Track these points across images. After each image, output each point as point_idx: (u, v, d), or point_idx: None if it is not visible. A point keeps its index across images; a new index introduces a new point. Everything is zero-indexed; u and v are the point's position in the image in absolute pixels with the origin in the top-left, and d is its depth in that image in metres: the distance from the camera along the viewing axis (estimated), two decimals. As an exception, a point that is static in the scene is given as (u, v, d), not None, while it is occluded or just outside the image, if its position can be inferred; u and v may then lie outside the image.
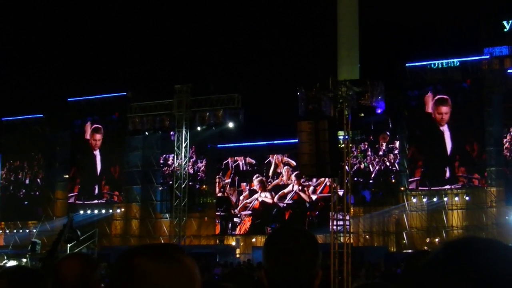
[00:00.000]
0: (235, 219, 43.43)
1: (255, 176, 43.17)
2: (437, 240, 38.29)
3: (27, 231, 48.08)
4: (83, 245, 34.65)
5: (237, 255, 41.84)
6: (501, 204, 37.37)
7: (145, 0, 79.21)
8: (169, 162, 44.09)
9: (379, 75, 27.79)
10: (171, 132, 39.78)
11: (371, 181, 40.78)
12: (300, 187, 41.67)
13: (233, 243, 43.73)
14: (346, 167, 24.51)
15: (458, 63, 38.55)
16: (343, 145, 25.61)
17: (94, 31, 75.26)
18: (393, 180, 40.68)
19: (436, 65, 39.12)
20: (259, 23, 74.56)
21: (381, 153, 40.62)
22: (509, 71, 37.79)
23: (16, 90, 66.48)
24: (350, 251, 23.54)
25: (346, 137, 25.12)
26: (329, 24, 49.02)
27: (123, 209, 46.88)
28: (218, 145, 44.54)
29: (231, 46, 72.12)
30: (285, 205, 42.02)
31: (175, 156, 34.04)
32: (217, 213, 44.17)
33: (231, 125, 34.85)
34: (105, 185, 46.74)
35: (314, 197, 41.28)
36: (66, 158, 49.17)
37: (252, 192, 43.12)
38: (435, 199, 38.73)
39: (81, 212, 45.12)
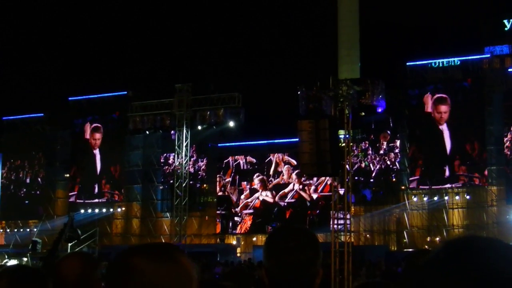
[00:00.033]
0: (236, 218, 43.44)
1: (255, 175, 43.18)
2: (437, 239, 38.28)
3: (28, 230, 48.10)
4: (84, 244, 34.70)
5: (238, 254, 41.85)
6: (501, 203, 37.36)
7: (145, 0, 79.23)
8: (170, 161, 44.10)
9: (379, 74, 27.78)
10: (172, 131, 39.78)
11: (371, 180, 40.78)
12: (300, 186, 41.67)
13: (234, 242, 43.73)
14: (347, 166, 24.50)
15: (458, 62, 38.54)
16: (343, 144, 25.61)
17: (94, 31, 75.29)
18: (394, 179, 40.68)
19: (437, 64, 39.12)
20: (259, 23, 74.55)
21: (381, 152, 40.61)
22: (509, 70, 37.77)
23: (17, 89, 66.54)
24: (350, 250, 23.54)
25: (347, 136, 25.12)
26: (329, 23, 49.02)
27: (123, 208, 46.90)
28: (219, 144, 44.55)
29: (231, 45, 72.17)
30: (285, 204, 42.02)
31: (176, 155, 34.04)
32: (217, 212, 44.19)
33: (231, 124, 34.84)
34: (105, 184, 46.77)
35: (314, 196, 41.29)
36: (66, 157, 49.19)
37: (253, 191, 43.13)
38: (435, 198, 38.72)
39: (82, 211, 45.13)
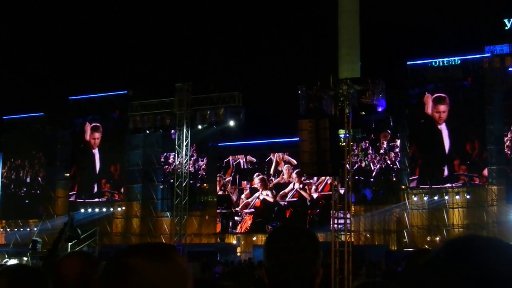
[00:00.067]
0: (236, 218, 43.45)
1: (255, 174, 43.20)
2: (438, 238, 38.29)
3: (28, 229, 48.12)
4: (84, 244, 34.70)
5: (238, 254, 41.88)
6: (502, 203, 37.36)
7: (145, 0, 79.22)
8: (170, 161, 44.10)
9: (380, 74, 27.74)
10: (172, 131, 39.73)
11: (372, 180, 40.79)
12: (301, 185, 41.68)
13: (234, 242, 43.75)
14: (347, 166, 24.50)
15: (459, 61, 38.55)
16: (344, 144, 25.60)
17: (94, 31, 75.28)
18: (394, 179, 40.69)
19: (437, 63, 39.13)
20: (259, 23, 74.51)
21: (382, 151, 40.62)
22: (510, 69, 37.78)
23: (17, 89, 66.52)
24: (351, 249, 23.54)
25: (347, 135, 25.12)
26: (330, 23, 49.01)
27: (124, 208, 46.91)
28: (219, 144, 44.57)
29: (231, 45, 72.14)
30: (286, 203, 42.03)
31: (176, 155, 34.01)
32: (217, 211, 44.19)
33: (232, 123, 34.76)
34: (105, 183, 46.78)
35: (315, 195, 41.29)
36: (66, 156, 49.21)
37: (253, 191, 43.14)
38: (436, 198, 38.73)
39: (82, 210, 45.16)
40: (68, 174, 49.28)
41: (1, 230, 51.17)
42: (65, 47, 72.70)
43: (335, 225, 24.72)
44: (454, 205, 38.69)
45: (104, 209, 46.16)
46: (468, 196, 38.12)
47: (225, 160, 44.39)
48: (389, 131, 40.62)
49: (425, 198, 39.35)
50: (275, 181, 42.63)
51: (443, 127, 38.46)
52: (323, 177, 38.55)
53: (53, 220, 46.82)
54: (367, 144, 41.03)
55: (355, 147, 38.71)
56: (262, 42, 72.48)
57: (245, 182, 43.53)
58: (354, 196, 30.79)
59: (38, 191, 49.96)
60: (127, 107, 38.26)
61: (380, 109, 26.54)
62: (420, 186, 39.09)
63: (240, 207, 43.35)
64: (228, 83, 35.46)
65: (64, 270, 3.49)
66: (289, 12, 77.93)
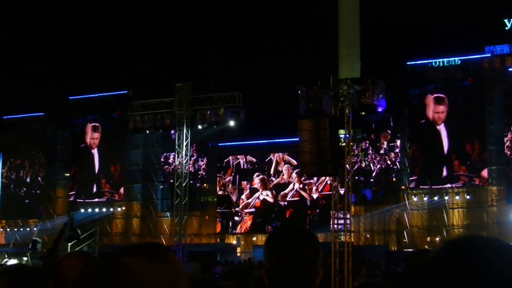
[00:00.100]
0: (236, 218, 43.45)
1: (255, 175, 43.20)
2: (437, 239, 38.28)
3: (28, 229, 48.12)
4: (84, 244, 34.68)
5: (238, 254, 41.88)
6: (502, 203, 37.35)
7: (145, 0, 79.23)
8: (170, 161, 44.10)
9: (380, 74, 27.74)
10: (172, 131, 39.73)
11: (372, 180, 40.78)
12: (301, 186, 41.68)
13: (234, 242, 43.74)
14: (347, 166, 24.51)
15: (459, 62, 38.55)
16: (344, 144, 25.62)
17: (94, 31, 75.27)
18: (394, 179, 40.68)
19: (437, 64, 39.12)
20: (259, 23, 74.52)
21: (382, 151, 40.61)
22: (510, 69, 37.78)
23: (17, 88, 66.52)
24: (350, 250, 23.55)
25: (347, 135, 25.13)
26: (330, 23, 49.01)
27: (124, 208, 46.91)
28: (219, 144, 44.58)
29: (231, 45, 72.13)
30: (286, 203, 42.02)
31: (176, 155, 34.00)
32: (218, 210, 44.16)
33: (232, 123, 34.74)
34: (105, 183, 46.78)
35: (315, 195, 41.29)
36: (66, 156, 49.20)
37: (253, 191, 43.15)
38: (436, 198, 38.73)
39: (82, 210, 45.17)
40: (68, 174, 49.28)
41: (1, 230, 51.17)
42: (65, 47, 72.72)
43: (335, 226, 24.73)
44: (454, 205, 38.69)
45: (104, 209, 46.17)
46: (468, 197, 38.13)
47: (225, 160, 44.40)
48: (389, 131, 40.61)
49: (425, 199, 39.35)
50: (275, 181, 42.63)
51: (441, 128, 38.46)
52: (323, 177, 38.54)
53: (53, 220, 46.83)
54: (367, 144, 41.03)
55: (355, 147, 38.71)
56: (262, 42, 72.50)
57: (245, 182, 43.53)
58: (354, 196, 30.77)
59: (38, 191, 49.95)
60: (127, 107, 38.29)
61: (380, 109, 26.54)
62: (420, 186, 39.08)
63: (240, 207, 43.35)
64: (228, 83, 35.46)
65: (64, 270, 3.49)
66: (289, 12, 77.95)
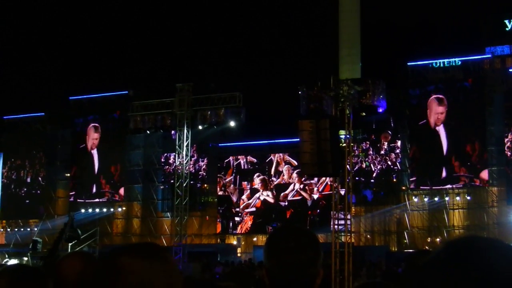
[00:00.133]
0: (236, 218, 43.45)
1: (256, 175, 43.20)
2: (438, 239, 38.28)
3: (28, 229, 48.13)
4: (84, 244, 34.70)
5: (238, 254, 41.88)
6: (502, 204, 37.35)
7: (145, 0, 79.24)
8: (170, 161, 44.10)
9: (380, 74, 27.77)
10: (172, 131, 39.74)
11: (372, 181, 40.76)
12: (301, 186, 41.67)
13: (234, 242, 43.74)
14: (348, 166, 24.51)
15: (459, 62, 38.54)
16: (344, 144, 25.65)
17: (95, 30, 75.29)
18: (395, 180, 40.66)
19: (438, 64, 39.12)
20: (259, 23, 74.54)
21: (382, 152, 40.59)
22: (510, 70, 37.76)
23: (17, 88, 66.53)
24: (351, 250, 23.56)
25: (348, 136, 25.15)
26: (330, 23, 49.00)
27: (124, 208, 46.91)
28: (220, 144, 44.57)
29: (232, 45, 72.15)
30: (286, 204, 42.02)
31: (176, 155, 34.01)
32: (218, 209, 44.14)
33: (232, 124, 34.75)
34: (106, 184, 46.79)
35: (315, 196, 41.28)
36: (67, 156, 49.21)
37: (254, 191, 43.14)
38: (436, 199, 38.72)
39: (82, 210, 45.17)
40: (68, 174, 49.28)
41: (2, 230, 51.17)
42: (65, 47, 72.73)
43: (336, 226, 24.74)
44: (455, 206, 38.70)
45: (105, 209, 46.17)
46: (468, 197, 38.13)
47: (225, 161, 44.40)
48: (389, 132, 40.60)
49: (426, 199, 39.34)
50: (275, 181, 42.63)
51: (440, 129, 38.47)
52: (324, 178, 38.53)
53: (53, 220, 46.84)
54: (368, 145, 41.01)
55: (355, 148, 38.72)
56: (263, 42, 72.50)
57: (246, 182, 43.53)
58: (354, 197, 30.81)
59: (38, 191, 49.96)
60: (127, 107, 38.30)
61: (380, 110, 26.56)
62: (421, 187, 39.08)
63: (240, 207, 43.35)
64: (229, 84, 35.45)
65: (64, 270, 3.49)
66: (289, 12, 77.95)
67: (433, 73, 39.08)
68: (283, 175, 42.43)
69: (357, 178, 38.22)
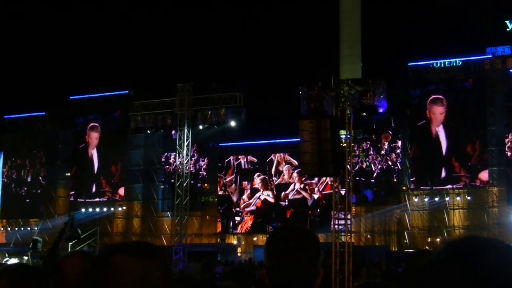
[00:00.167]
0: (237, 218, 43.45)
1: (256, 175, 43.20)
2: (438, 239, 38.28)
3: (29, 229, 48.13)
4: (85, 243, 34.75)
5: (239, 254, 41.89)
6: (502, 204, 37.35)
7: (146, 0, 79.29)
8: (171, 161, 44.12)
9: (381, 74, 27.83)
10: (173, 131, 39.76)
11: (372, 181, 40.75)
12: (301, 186, 41.67)
13: (235, 242, 43.75)
14: (348, 166, 24.51)
15: (460, 63, 38.53)
16: (345, 144, 25.66)
17: (95, 30, 75.30)
18: (395, 180, 40.66)
19: (439, 65, 39.10)
20: (260, 23, 74.57)
21: (383, 152, 40.59)
22: (511, 70, 37.76)
23: (18, 88, 66.56)
24: (351, 250, 23.56)
25: (348, 136, 25.16)
26: (331, 23, 49.01)
27: (124, 208, 46.92)
28: (220, 144, 44.57)
29: (232, 45, 72.15)
30: (286, 203, 42.02)
31: (177, 155, 34.03)
32: (219, 209, 44.13)
33: (233, 123, 34.80)
34: (106, 183, 46.79)
35: (316, 195, 41.28)
36: (67, 156, 49.22)
37: (254, 191, 43.15)
38: (436, 199, 38.72)
39: (83, 210, 45.18)
40: (69, 174, 49.29)
41: (2, 229, 51.20)
42: (66, 47, 72.75)
43: (336, 226, 24.74)
44: (455, 206, 38.70)
45: (105, 209, 46.18)
46: (469, 198, 38.14)
47: (226, 160, 44.40)
48: (390, 132, 40.59)
49: (426, 199, 39.34)
50: (276, 181, 42.63)
51: (440, 129, 38.47)
52: (324, 178, 38.53)
53: (53, 220, 46.85)
54: (368, 145, 41.01)
55: (356, 148, 38.72)
56: (263, 42, 72.52)
57: (246, 182, 43.53)
58: (354, 197, 30.81)
59: (39, 191, 49.97)
60: (128, 107, 38.34)
61: (381, 110, 26.58)
62: (421, 187, 39.08)
63: (241, 207, 43.35)
64: (229, 84, 35.41)
65: (64, 270, 3.49)
66: (290, 12, 77.96)
67: (433, 73, 39.07)
68: (284, 175, 42.44)
69: (357, 178, 38.22)
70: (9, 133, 50.95)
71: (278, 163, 42.75)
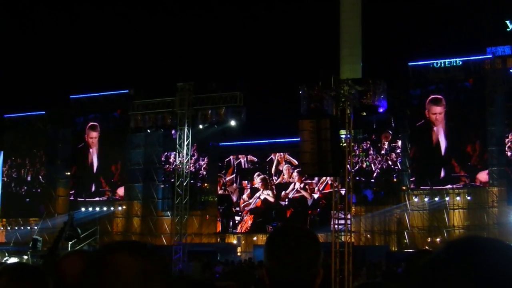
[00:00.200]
0: (236, 218, 43.45)
1: (256, 174, 43.20)
2: (438, 239, 38.28)
3: (29, 228, 48.15)
4: (85, 243, 34.77)
5: (238, 254, 41.90)
6: (502, 204, 37.35)
7: (146, 0, 79.25)
8: (171, 160, 44.12)
9: (381, 74, 27.81)
10: (173, 130, 39.75)
11: (372, 180, 40.76)
12: (301, 185, 41.67)
13: (234, 242, 43.76)
14: (348, 166, 24.52)
15: (460, 63, 38.52)
16: (345, 144, 25.66)
17: (95, 29, 75.27)
18: (395, 180, 40.66)
19: (439, 64, 39.09)
20: (260, 23, 74.55)
21: (383, 152, 40.59)
22: (511, 70, 37.76)
23: (18, 87, 66.52)
24: (351, 250, 23.56)
25: (348, 136, 25.16)
26: (331, 23, 49.00)
27: (124, 207, 46.93)
28: (220, 143, 44.57)
29: (232, 44, 72.12)
30: (286, 203, 42.02)
31: (177, 154, 34.04)
32: (219, 208, 44.13)
33: (233, 123, 34.80)
34: (106, 182, 46.80)
35: (316, 195, 41.28)
36: (67, 155, 49.22)
37: (254, 190, 43.15)
38: (436, 199, 38.72)
39: (83, 209, 45.18)
40: (69, 173, 49.29)
41: (2, 228, 51.20)
42: (66, 46, 72.71)
43: (336, 226, 24.74)
44: (455, 206, 38.70)
45: (105, 208, 46.18)
46: (468, 198, 38.14)
47: (226, 160, 44.40)
48: (390, 132, 40.60)
49: (426, 199, 39.34)
50: (276, 181, 42.63)
51: (440, 129, 38.47)
52: (324, 177, 38.53)
53: (53, 219, 46.85)
54: (368, 145, 41.01)
55: (356, 148, 38.72)
56: (263, 41, 72.48)
57: (246, 181, 43.53)
58: (354, 196, 30.81)
59: (38, 190, 49.96)
60: (128, 106, 38.36)
61: (381, 110, 26.59)
62: (421, 187, 39.07)
63: (241, 207, 43.35)
64: (230, 83, 35.41)
65: (64, 269, 3.49)
66: (290, 12, 77.94)
67: (434, 73, 39.07)
68: (284, 175, 42.43)
69: (357, 178, 38.22)
70: (9, 132, 50.94)
71: (278, 163, 42.76)
